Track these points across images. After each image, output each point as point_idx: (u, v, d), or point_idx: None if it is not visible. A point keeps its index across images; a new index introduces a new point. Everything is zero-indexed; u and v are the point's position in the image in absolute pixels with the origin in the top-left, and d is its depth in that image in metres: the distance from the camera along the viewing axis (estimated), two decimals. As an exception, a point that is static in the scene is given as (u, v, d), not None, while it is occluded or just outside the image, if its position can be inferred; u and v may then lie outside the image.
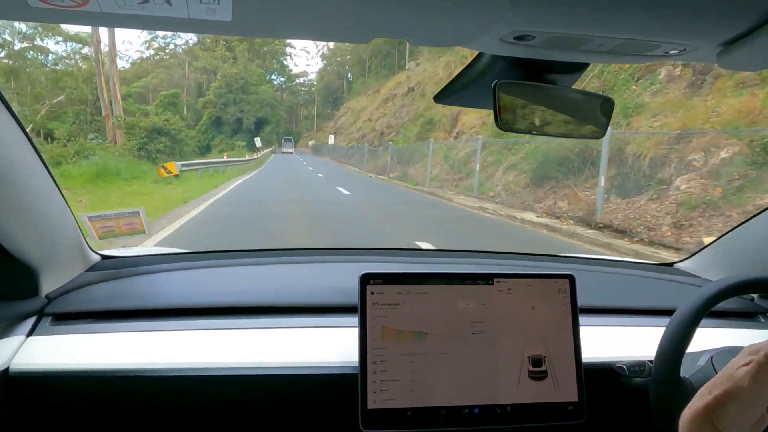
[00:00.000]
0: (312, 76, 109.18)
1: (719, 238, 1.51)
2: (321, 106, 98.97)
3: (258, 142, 46.36)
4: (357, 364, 0.99)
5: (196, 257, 1.47)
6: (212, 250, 1.54)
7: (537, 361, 1.04)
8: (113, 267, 1.33)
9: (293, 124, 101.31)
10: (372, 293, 1.01)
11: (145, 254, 1.48)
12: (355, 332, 1.00)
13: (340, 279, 1.32)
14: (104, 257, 1.38)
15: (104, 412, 1.03)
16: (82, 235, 1.28)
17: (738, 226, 1.44)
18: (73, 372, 0.99)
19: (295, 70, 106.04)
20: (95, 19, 0.64)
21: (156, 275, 1.33)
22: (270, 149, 58.56)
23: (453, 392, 1.01)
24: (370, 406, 0.97)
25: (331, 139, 47.03)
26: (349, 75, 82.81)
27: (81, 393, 1.00)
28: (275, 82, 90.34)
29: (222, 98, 71.64)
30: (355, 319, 1.01)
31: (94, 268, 1.32)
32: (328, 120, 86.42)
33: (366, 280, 1.01)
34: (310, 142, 77.19)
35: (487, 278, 1.06)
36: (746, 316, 1.38)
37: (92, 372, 1.00)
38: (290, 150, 66.77)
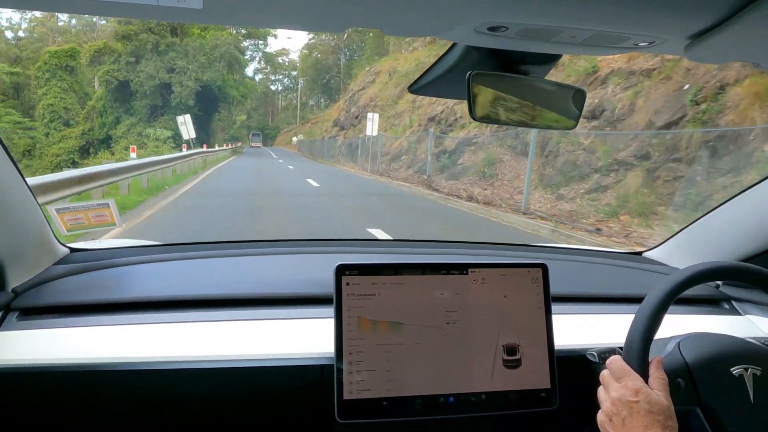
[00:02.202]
0: (294, 56, 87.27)
1: (685, 227, 1.55)
2: (307, 93, 77.28)
3: (186, 128, 20.68)
4: (333, 355, 0.99)
5: (169, 249, 1.45)
6: (186, 242, 1.52)
7: (511, 350, 1.06)
8: (82, 260, 1.30)
9: (269, 117, 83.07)
10: (348, 284, 1.01)
11: (115, 247, 1.46)
12: (331, 323, 1.00)
13: (316, 270, 1.32)
14: (73, 250, 1.35)
15: (73, 408, 1.01)
16: (50, 227, 1.25)
17: (703, 215, 1.49)
18: (41, 367, 0.97)
19: (271, 48, 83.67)
20: (60, 5, 0.62)
21: (127, 268, 1.31)
22: (231, 147, 38.24)
23: (428, 381, 1.02)
24: (346, 396, 0.98)
25: (370, 127, 20.52)
26: (346, 51, 61.51)
27: (49, 389, 0.98)
28: (246, 55, 59.35)
29: (130, 45, 37.40)
30: (331, 310, 1.01)
31: (62, 261, 1.29)
32: (319, 110, 66.89)
33: (341, 271, 1.01)
34: (295, 138, 55.57)
35: (461, 268, 1.07)
36: (711, 303, 1.43)
37: (61, 367, 0.97)
38: (258, 144, 57.42)
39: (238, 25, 0.70)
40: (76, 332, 1.05)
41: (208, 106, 41.38)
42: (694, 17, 0.64)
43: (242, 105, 56.09)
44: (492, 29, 0.68)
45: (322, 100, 73.84)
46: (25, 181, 1.10)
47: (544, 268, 1.10)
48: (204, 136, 37.34)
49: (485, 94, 0.84)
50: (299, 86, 79.56)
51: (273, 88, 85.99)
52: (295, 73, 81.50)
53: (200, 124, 36.27)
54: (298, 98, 79.44)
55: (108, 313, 1.11)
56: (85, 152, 36.16)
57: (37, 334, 1.04)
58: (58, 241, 1.31)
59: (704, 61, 0.77)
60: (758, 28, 0.64)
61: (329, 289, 1.01)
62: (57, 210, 1.26)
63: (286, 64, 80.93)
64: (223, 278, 1.32)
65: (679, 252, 1.57)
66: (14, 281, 1.11)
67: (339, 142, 32.10)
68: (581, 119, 1.04)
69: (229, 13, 0.65)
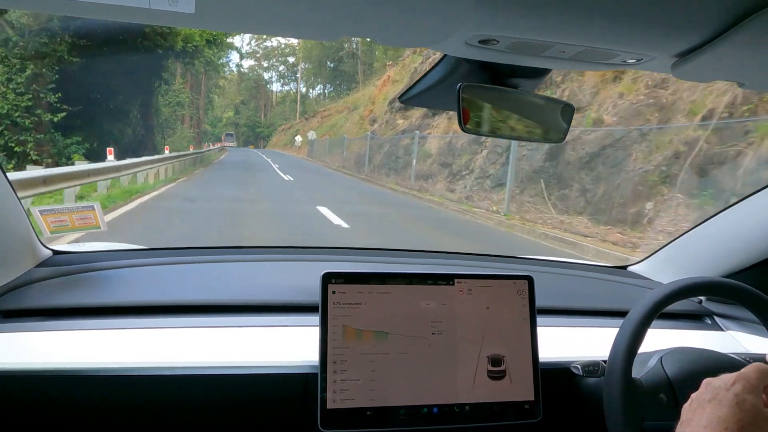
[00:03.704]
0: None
1: (670, 242, 1.57)
2: (310, 81, 61.67)
3: None
4: (317, 364, 0.98)
5: (154, 254, 1.44)
6: (171, 246, 1.51)
7: (496, 361, 1.06)
8: (65, 263, 1.28)
9: (262, 112, 67.14)
10: (333, 292, 1.01)
11: (99, 250, 1.44)
12: (316, 331, 1.00)
13: (302, 278, 1.31)
14: (56, 252, 1.33)
15: (52, 413, 0.99)
16: (33, 229, 1.23)
17: (688, 231, 1.50)
18: (21, 372, 0.95)
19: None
20: (48, 5, 0.62)
21: (111, 272, 1.29)
22: (191, 153, 20.66)
23: (412, 392, 1.01)
24: (330, 405, 0.97)
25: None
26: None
27: (28, 393, 0.96)
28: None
29: None
30: (316, 318, 1.00)
31: (44, 263, 1.27)
32: (327, 100, 52.94)
33: (328, 279, 1.01)
34: (299, 138, 39.55)
35: (448, 279, 1.07)
36: (694, 318, 1.44)
37: (41, 372, 0.96)
38: (232, 143, 49.89)
39: (232, 30, 0.71)
40: (58, 336, 1.03)
41: (122, 64, 17.56)
42: (681, 37, 0.65)
43: (217, 74, 34.88)
44: (483, 42, 0.68)
45: (327, 90, 58.56)
46: (8, 180, 1.08)
47: (530, 280, 1.11)
48: (129, 138, 19.23)
49: (475, 106, 0.85)
50: (299, 73, 62.83)
51: (266, 76, 68.69)
52: (293, 59, 64.59)
53: (97, 111, 17.15)
54: (298, 88, 63.43)
55: (90, 318, 1.09)
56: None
57: (16, 338, 1.02)
58: (41, 243, 1.29)
59: (690, 79, 0.78)
60: (742, 49, 0.65)
61: (315, 296, 1.01)
62: (41, 211, 1.25)
63: (282, 47, 64.87)
64: (207, 284, 1.31)
65: (664, 267, 1.58)
66: None
67: (447, 139, 14.35)
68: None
69: (222, 18, 0.65)
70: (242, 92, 64.31)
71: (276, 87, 68.56)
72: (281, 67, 66.58)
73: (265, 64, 67.86)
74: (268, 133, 63.45)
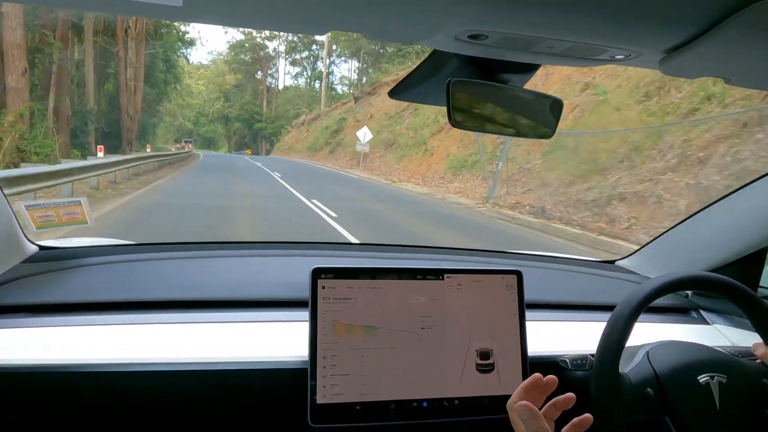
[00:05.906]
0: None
1: (657, 237, 1.58)
2: (342, 49, 42.20)
3: None
4: (307, 359, 0.98)
5: (142, 249, 1.43)
6: (159, 242, 1.50)
7: (485, 354, 1.06)
8: (52, 258, 1.27)
9: (263, 101, 47.85)
10: (323, 287, 1.01)
11: (86, 245, 1.43)
12: (305, 327, 1.00)
13: (292, 273, 1.31)
14: (42, 248, 1.32)
15: (39, 410, 0.98)
16: (18, 224, 1.22)
17: (676, 225, 1.52)
18: (6, 368, 0.95)
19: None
20: None
21: (97, 267, 1.28)
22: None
23: (402, 386, 1.02)
24: (320, 400, 0.97)
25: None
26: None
27: (15, 390, 0.96)
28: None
29: None
30: (306, 314, 1.00)
31: (30, 259, 1.25)
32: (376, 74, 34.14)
33: (317, 274, 1.01)
34: (366, 133, 22.67)
35: (437, 274, 1.07)
36: (681, 312, 1.46)
37: (27, 368, 0.95)
38: (189, 146, 38.03)
39: (220, 24, 0.70)
40: (44, 332, 1.03)
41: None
42: (669, 33, 0.65)
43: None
44: (472, 37, 0.68)
45: (364, 62, 37.81)
46: None
47: (518, 274, 1.11)
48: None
49: (464, 102, 0.85)
50: (326, 48, 42.14)
51: (270, 46, 47.62)
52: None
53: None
54: (325, 56, 43.02)
55: (77, 314, 1.09)
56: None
57: (2, 334, 1.01)
58: (27, 238, 1.28)
59: (678, 75, 0.79)
60: (730, 45, 0.65)
61: (304, 292, 1.00)
62: (26, 206, 1.23)
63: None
64: (195, 280, 1.30)
65: (651, 261, 1.60)
66: None
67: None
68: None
69: (210, 11, 0.65)
70: (234, 71, 46.69)
71: (283, 64, 48.35)
72: (290, 36, 47.24)
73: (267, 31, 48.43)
74: (274, 130, 45.09)
